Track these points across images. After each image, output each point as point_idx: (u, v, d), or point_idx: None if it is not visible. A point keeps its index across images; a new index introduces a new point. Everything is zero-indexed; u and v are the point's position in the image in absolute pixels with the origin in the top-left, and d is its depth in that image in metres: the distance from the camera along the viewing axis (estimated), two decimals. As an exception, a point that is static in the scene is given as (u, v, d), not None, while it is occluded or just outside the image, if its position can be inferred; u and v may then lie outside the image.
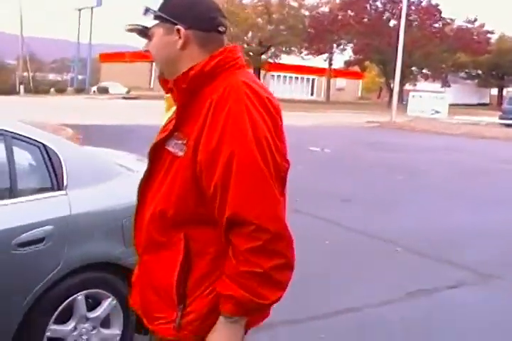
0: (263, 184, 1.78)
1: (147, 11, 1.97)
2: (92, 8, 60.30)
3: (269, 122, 1.84)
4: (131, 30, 2.04)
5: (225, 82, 1.87)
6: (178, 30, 1.92)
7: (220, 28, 1.96)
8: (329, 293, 5.40)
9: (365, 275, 5.94)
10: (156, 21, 1.95)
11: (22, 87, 51.79)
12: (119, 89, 57.88)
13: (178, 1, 1.96)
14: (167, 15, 1.93)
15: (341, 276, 5.89)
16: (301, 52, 61.71)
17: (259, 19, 58.06)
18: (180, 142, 1.90)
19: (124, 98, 48.63)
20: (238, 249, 1.78)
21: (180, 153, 1.89)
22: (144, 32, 2.00)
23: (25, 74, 56.31)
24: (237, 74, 1.92)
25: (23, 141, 3.23)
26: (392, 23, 55.93)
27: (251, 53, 58.41)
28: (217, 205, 1.81)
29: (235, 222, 1.78)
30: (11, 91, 48.55)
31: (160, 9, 1.95)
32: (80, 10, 62.02)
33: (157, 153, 1.99)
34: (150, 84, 65.45)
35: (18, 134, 3.21)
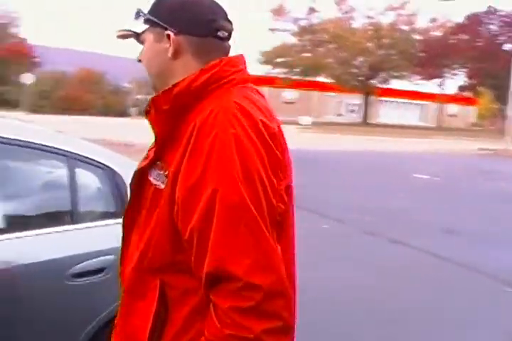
0: (253, 230, 1.42)
1: (138, 14, 1.66)
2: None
3: (264, 153, 1.48)
4: (122, 37, 1.73)
5: (214, 103, 1.52)
6: (169, 36, 1.60)
7: (221, 33, 1.62)
8: (431, 335, 4.95)
9: (467, 316, 5.42)
10: (147, 26, 1.64)
11: (135, 110, 53.43)
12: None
13: (170, 1, 1.63)
14: (156, 18, 1.62)
15: (441, 315, 5.38)
16: (411, 77, 60.67)
17: (369, 43, 57.44)
18: (162, 173, 1.57)
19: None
20: (222, 308, 1.42)
21: (162, 186, 1.56)
22: (138, 39, 1.69)
23: (139, 96, 58.09)
24: (231, 93, 1.56)
25: (88, 163, 3.02)
26: (508, 46, 54.15)
27: (360, 78, 57.89)
28: (194, 256, 1.47)
29: (218, 278, 1.42)
30: (124, 113, 50.20)
31: (150, 11, 1.64)
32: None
33: (140, 183, 1.67)
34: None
35: (82, 156, 3.00)
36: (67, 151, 2.97)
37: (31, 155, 2.98)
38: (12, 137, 2.85)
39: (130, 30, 1.69)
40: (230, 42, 1.68)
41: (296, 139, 29.55)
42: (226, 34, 1.63)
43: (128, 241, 1.73)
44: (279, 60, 59.08)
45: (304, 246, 6.80)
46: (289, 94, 66.21)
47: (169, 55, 1.62)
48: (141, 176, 1.67)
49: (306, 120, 50.52)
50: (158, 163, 1.60)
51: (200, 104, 1.54)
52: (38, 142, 2.92)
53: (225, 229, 1.42)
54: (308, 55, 58.74)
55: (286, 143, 1.66)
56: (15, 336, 2.68)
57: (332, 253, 7.35)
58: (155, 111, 1.59)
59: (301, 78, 59.72)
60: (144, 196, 1.64)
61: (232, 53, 1.68)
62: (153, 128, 1.62)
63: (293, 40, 60.13)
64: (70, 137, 3.35)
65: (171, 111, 1.56)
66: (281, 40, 60.05)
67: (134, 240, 1.68)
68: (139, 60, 1.72)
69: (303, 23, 58.91)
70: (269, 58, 59.43)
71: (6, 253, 2.69)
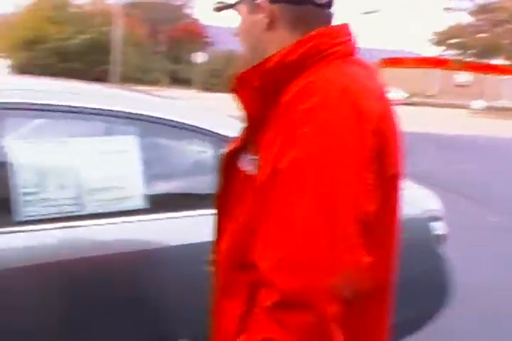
0: (300, 223, 1.21)
1: None
2: (373, 12, 60.48)
3: (356, 140, 1.25)
4: (218, 9, 1.56)
5: (309, 79, 1.31)
6: (262, 5, 1.42)
7: (318, 0, 1.40)
8: None
9: None
10: None
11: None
12: (398, 95, 57.37)
13: None
14: None
15: None
16: None
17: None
18: (252, 157, 1.41)
19: (404, 104, 47.95)
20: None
21: (253, 172, 1.39)
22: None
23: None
24: (330, 68, 1.35)
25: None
26: None
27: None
28: None
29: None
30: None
31: None
32: (363, 14, 62.65)
33: (229, 168, 1.54)
34: (431, 90, 64.10)
35: (231, 138, 2.89)
36: (216, 133, 2.88)
37: (181, 135, 2.91)
38: (163, 117, 2.81)
39: (224, 2, 1.54)
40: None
41: (468, 124, 28.52)
42: (326, 0, 1.43)
43: (220, 230, 1.61)
44: (452, 40, 56.89)
45: (467, 239, 6.40)
46: (462, 76, 63.72)
47: (263, 26, 1.45)
48: (229, 160, 1.54)
49: (479, 104, 48.39)
50: (249, 146, 1.44)
51: (295, 80, 1.34)
52: (188, 122, 2.86)
53: (278, 215, 1.25)
54: (484, 35, 56.03)
55: (396, 127, 1.43)
56: (143, 319, 2.63)
57: (496, 250, 6.85)
58: (244, 89, 1.43)
59: (475, 60, 57.21)
60: (233, 182, 1.51)
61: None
62: (242, 107, 1.46)
63: (468, 19, 57.64)
64: (222, 116, 3.25)
65: (262, 88, 1.39)
66: (455, 20, 57.75)
67: (224, 231, 1.56)
68: (236, 34, 1.55)
69: (480, 1, 56.24)
70: (442, 39, 57.51)
71: (148, 234, 2.65)
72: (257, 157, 1.39)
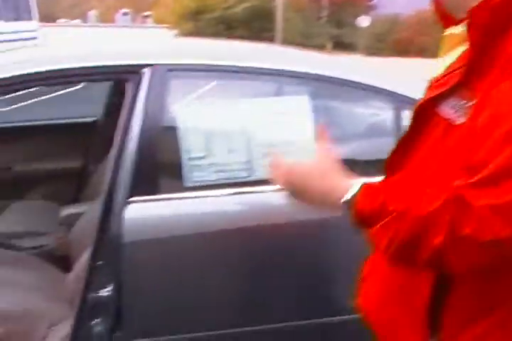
0: None
1: None
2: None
3: None
4: None
5: None
6: None
7: None
8: None
9: None
10: None
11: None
12: None
13: None
14: None
15: None
16: None
17: None
18: (463, 103, 1.24)
19: None
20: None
21: (461, 120, 1.23)
22: None
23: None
24: None
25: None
26: None
27: None
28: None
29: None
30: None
31: None
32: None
33: (424, 117, 1.35)
34: None
35: (410, 98, 2.66)
36: (395, 92, 2.66)
37: (357, 95, 2.74)
38: (338, 76, 2.64)
39: None
40: None
41: None
42: None
43: None
44: None
45: None
46: None
47: None
48: (426, 107, 1.36)
49: None
50: (460, 90, 1.26)
51: None
52: (367, 82, 2.67)
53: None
54: None
55: None
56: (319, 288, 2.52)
57: None
58: (471, 27, 1.26)
59: None
60: (428, 131, 1.34)
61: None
62: (469, 44, 1.27)
63: None
64: (399, 76, 3.04)
65: (486, 26, 1.23)
66: None
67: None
68: None
69: None
70: None
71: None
72: (470, 102, 1.24)
